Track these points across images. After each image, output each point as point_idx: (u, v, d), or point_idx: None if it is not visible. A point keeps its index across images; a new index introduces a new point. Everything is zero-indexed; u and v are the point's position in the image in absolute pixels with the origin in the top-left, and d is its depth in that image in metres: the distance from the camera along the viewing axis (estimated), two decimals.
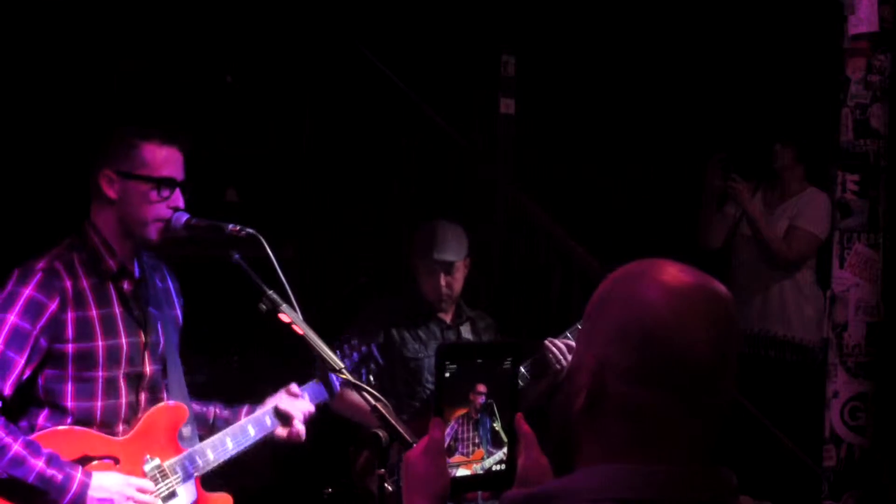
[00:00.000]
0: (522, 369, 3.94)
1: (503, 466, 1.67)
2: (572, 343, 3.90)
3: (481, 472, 1.68)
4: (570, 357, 3.87)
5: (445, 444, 1.64)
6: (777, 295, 5.23)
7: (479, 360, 1.66)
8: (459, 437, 1.68)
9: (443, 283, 4.06)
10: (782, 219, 5.24)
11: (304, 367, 3.15)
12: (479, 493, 1.68)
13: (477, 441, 1.68)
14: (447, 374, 1.63)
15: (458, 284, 4.12)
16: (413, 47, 5.87)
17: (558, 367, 3.88)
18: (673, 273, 1.44)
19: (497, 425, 1.68)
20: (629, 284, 1.44)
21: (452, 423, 1.66)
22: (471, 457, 1.68)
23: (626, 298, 1.42)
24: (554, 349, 3.89)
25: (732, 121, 5.99)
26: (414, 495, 1.61)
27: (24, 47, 4.91)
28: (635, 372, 1.38)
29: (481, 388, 1.66)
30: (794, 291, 5.22)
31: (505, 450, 1.67)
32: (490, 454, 1.69)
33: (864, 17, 2.94)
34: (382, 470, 2.80)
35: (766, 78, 6.04)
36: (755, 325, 5.18)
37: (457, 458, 1.68)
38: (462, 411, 1.66)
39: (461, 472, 1.68)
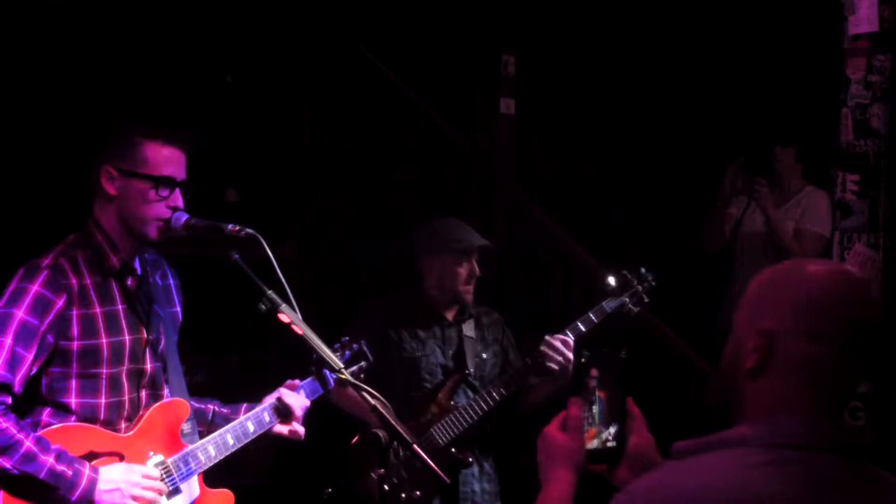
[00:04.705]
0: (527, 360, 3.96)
1: (616, 443, 1.91)
2: (570, 339, 3.88)
3: (598, 446, 1.91)
4: (567, 354, 3.86)
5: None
6: None
7: (605, 350, 1.92)
8: None
9: (470, 270, 4.03)
10: (786, 220, 5.23)
11: (303, 366, 3.15)
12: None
13: (590, 420, 1.91)
14: (582, 360, 1.90)
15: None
16: (413, 47, 5.87)
17: (555, 366, 3.86)
18: (822, 262, 1.78)
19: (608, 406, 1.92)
20: (789, 271, 1.74)
21: None
22: (586, 434, 1.90)
23: (793, 280, 1.71)
24: (550, 350, 3.87)
25: (731, 121, 5.98)
26: (556, 465, 1.87)
27: (27, 48, 4.91)
28: (809, 333, 1.66)
29: (594, 372, 1.91)
30: None
31: (613, 428, 1.91)
32: (602, 431, 1.92)
33: (864, 17, 2.94)
34: (382, 470, 2.79)
35: (765, 78, 6.04)
36: None
37: None
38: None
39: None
